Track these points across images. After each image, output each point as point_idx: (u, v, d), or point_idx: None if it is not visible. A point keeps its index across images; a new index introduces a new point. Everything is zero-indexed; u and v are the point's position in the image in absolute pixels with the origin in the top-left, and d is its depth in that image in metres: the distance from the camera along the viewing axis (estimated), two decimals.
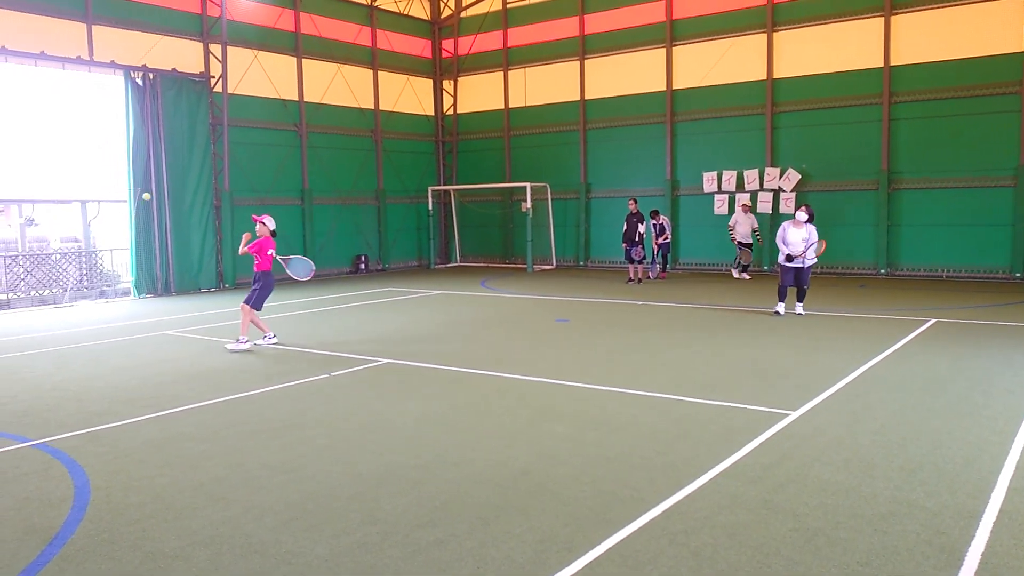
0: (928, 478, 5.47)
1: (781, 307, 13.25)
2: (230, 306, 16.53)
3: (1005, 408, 7.23)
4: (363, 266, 24.19)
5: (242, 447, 6.55)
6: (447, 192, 26.80)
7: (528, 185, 23.62)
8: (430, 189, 26.01)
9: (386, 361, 10.15)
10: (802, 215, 13.02)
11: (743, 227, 19.68)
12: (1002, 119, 18.00)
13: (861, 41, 19.44)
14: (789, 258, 12.95)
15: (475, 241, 26.82)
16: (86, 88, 18.23)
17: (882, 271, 19.50)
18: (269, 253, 11.39)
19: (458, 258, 26.94)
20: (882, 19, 19.10)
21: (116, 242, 19.62)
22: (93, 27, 17.93)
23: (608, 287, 18.55)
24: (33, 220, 19.58)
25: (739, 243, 19.68)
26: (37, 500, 5.39)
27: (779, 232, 13.20)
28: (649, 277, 19.83)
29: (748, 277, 19.62)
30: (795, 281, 13.03)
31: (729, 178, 21.27)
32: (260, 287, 11.44)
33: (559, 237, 24.65)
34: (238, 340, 11.19)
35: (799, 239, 12.89)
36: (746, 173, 21.03)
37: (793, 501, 5.09)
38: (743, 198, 20.62)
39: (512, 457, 6.12)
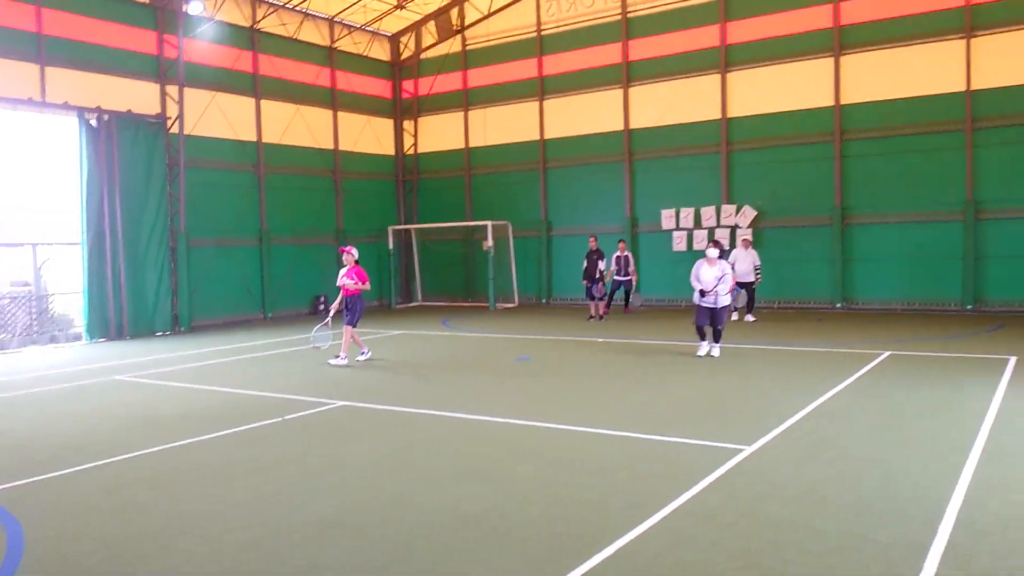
0: (877, 512, 5.48)
1: (704, 346, 12.69)
2: (185, 349, 16.23)
3: (954, 440, 7.32)
4: (322, 306, 23.88)
5: (190, 494, 6.36)
6: (408, 231, 26.78)
7: (489, 223, 23.70)
8: (391, 228, 25.96)
9: (341, 403, 9.99)
10: (713, 252, 12.63)
11: (743, 264, 17.61)
12: (950, 155, 18.54)
13: (812, 81, 19.97)
14: (703, 293, 12.43)
15: (437, 280, 26.76)
16: (38, 130, 17.98)
17: (838, 305, 19.80)
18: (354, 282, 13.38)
19: (420, 297, 26.83)
20: (832, 59, 19.67)
21: (69, 285, 19.23)
22: (46, 68, 17.73)
23: (569, 324, 18.57)
24: None
25: (737, 283, 16.52)
26: None
27: (693, 270, 12.74)
28: (606, 312, 19.73)
29: (753, 319, 17.89)
30: (710, 321, 12.53)
31: (687, 215, 21.56)
32: (359, 308, 13.48)
33: (521, 275, 24.70)
34: (339, 356, 13.13)
35: (712, 277, 12.45)
36: (703, 210, 21.33)
37: (743, 538, 5.06)
38: (744, 234, 19.53)
39: (466, 499, 6.02)
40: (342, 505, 5.98)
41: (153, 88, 19.91)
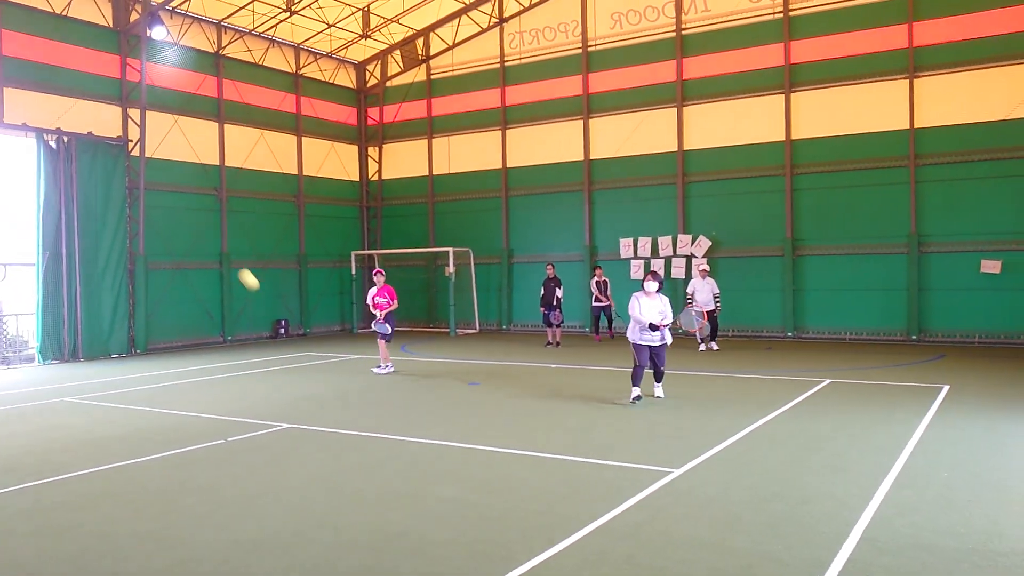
0: (789, 532, 5.71)
1: (636, 391, 11.23)
2: (138, 371, 16.16)
3: (875, 464, 7.59)
4: (283, 331, 23.94)
5: (116, 516, 6.42)
6: (371, 257, 26.89)
7: (451, 250, 23.92)
8: (353, 254, 26.06)
9: (287, 426, 10.07)
10: (651, 284, 11.28)
11: (703, 294, 17.85)
12: (894, 190, 19.15)
13: (765, 116, 20.56)
14: (653, 328, 11.16)
15: (399, 306, 26.76)
16: None
17: (789, 334, 20.24)
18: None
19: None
20: (783, 96, 20.28)
21: (23, 307, 19.06)
22: (4, 89, 17.71)
23: (527, 350, 18.77)
24: None
25: (696, 311, 17.17)
26: None
27: (631, 304, 11.29)
28: (559, 340, 20.02)
29: (717, 347, 18.03)
30: (651, 362, 11.37)
31: (644, 244, 21.95)
32: (392, 323, 15.27)
33: (482, 301, 24.89)
34: (381, 366, 15.01)
35: (654, 311, 11.17)
36: (660, 239, 21.74)
37: (657, 556, 5.26)
38: (700, 263, 19.69)
39: (392, 520, 6.16)
40: (270, 526, 6.07)
41: (115, 111, 19.95)
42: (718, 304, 18.24)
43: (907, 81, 18.94)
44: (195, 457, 8.46)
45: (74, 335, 18.69)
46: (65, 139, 18.55)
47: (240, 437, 9.40)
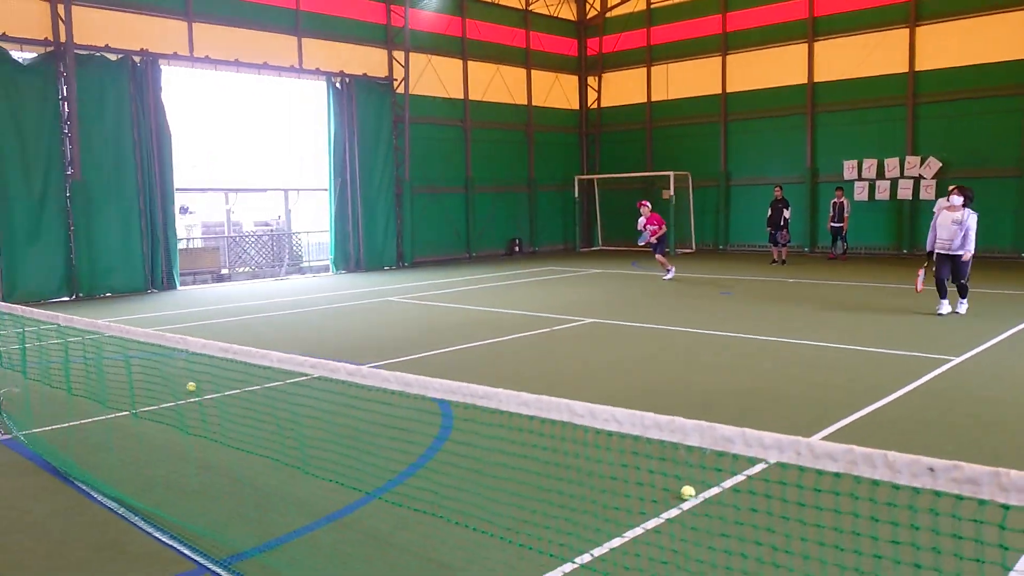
0: None
1: (945, 305, 11.81)
2: (419, 280, 19.13)
3: None
4: (517, 248, 26.59)
5: (558, 353, 8.81)
6: (591, 181, 28.84)
7: (672, 174, 25.37)
8: (576, 178, 28.12)
9: (590, 320, 12.29)
10: (957, 199, 11.53)
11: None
12: None
13: (1004, 34, 20.22)
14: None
15: (616, 227, 28.71)
16: (292, 92, 21.25)
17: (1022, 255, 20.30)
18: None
19: (600, 242, 28.95)
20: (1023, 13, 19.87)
21: (305, 225, 22.81)
22: (303, 40, 20.84)
23: (754, 267, 20.16)
24: (187, 208, 22.16)
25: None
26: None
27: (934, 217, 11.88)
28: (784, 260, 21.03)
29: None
30: (952, 273, 11.61)
31: (870, 166, 22.41)
32: (664, 241, 18.14)
33: (698, 223, 26.28)
34: (668, 271, 17.75)
35: (949, 222, 11.54)
36: (887, 161, 22.12)
37: (970, 406, 6.89)
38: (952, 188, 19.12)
39: (739, 380, 8.12)
40: (643, 382, 8.21)
41: (381, 53, 22.78)
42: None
43: None
44: (540, 339, 10.83)
45: (357, 249, 22.08)
46: (347, 80, 21.58)
47: (560, 328, 11.72)
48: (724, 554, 3.75)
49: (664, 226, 17.93)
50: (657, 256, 18.06)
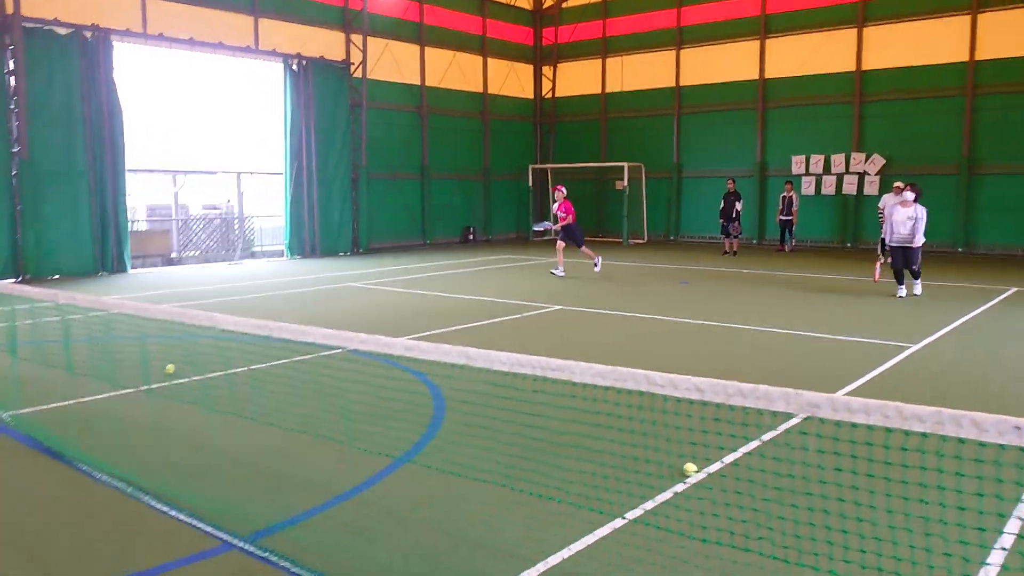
0: None
1: (902, 290, 13.12)
2: (376, 266, 19.04)
3: None
4: (471, 236, 26.64)
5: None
6: (544, 170, 29.03)
7: (626, 165, 25.72)
8: (530, 167, 28.28)
9: (556, 307, 12.46)
10: (909, 194, 12.81)
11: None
12: None
13: (944, 37, 21.08)
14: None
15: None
16: (246, 74, 20.86)
17: (959, 249, 21.25)
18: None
19: (553, 232, 29.11)
20: (969, 17, 20.72)
21: (255, 210, 22.46)
22: (259, 20, 20.45)
23: (706, 258, 20.64)
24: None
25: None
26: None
27: (886, 210, 13.24)
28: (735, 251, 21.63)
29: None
30: (903, 261, 12.91)
31: (817, 161, 23.12)
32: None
33: (650, 214, 26.73)
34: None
35: (904, 218, 12.76)
36: (833, 157, 22.85)
37: (945, 378, 7.27)
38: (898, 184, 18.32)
39: (721, 360, 8.39)
40: (644, 361, 8.39)
41: (339, 36, 22.51)
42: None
43: None
44: (513, 324, 10.95)
45: (312, 235, 21.83)
46: (304, 63, 21.28)
47: (528, 314, 11.86)
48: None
49: (572, 216, 16.71)
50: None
